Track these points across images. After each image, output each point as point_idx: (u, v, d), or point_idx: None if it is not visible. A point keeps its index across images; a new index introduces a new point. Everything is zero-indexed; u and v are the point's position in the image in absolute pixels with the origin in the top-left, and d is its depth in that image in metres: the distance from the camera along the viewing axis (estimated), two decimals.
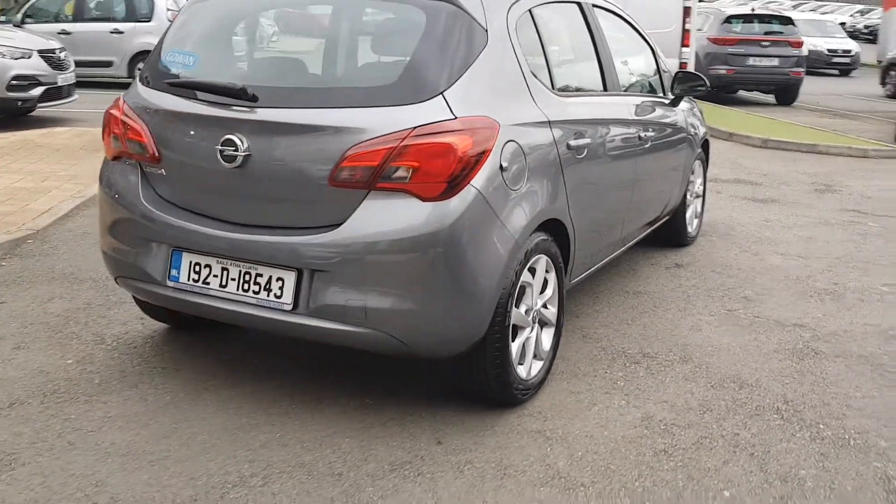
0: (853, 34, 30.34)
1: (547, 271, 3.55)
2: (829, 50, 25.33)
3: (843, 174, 9.28)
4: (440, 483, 2.95)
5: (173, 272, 3.42)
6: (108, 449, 3.14)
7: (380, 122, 3.03)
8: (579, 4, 4.25)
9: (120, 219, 3.58)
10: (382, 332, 3.07)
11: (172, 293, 3.42)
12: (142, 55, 15.63)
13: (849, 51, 25.69)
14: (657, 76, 5.24)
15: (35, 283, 4.92)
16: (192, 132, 3.35)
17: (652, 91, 5.12)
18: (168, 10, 15.75)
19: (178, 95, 3.44)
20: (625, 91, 4.62)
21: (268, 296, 3.21)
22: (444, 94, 3.07)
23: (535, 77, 3.55)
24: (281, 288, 3.19)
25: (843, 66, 25.84)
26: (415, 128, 2.99)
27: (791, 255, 5.94)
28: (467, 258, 3.06)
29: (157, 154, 3.44)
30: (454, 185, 3.00)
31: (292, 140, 3.16)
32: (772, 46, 15.78)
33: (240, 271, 3.27)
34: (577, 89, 4.14)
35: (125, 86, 15.37)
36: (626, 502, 2.86)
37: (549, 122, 3.54)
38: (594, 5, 4.41)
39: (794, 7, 43.87)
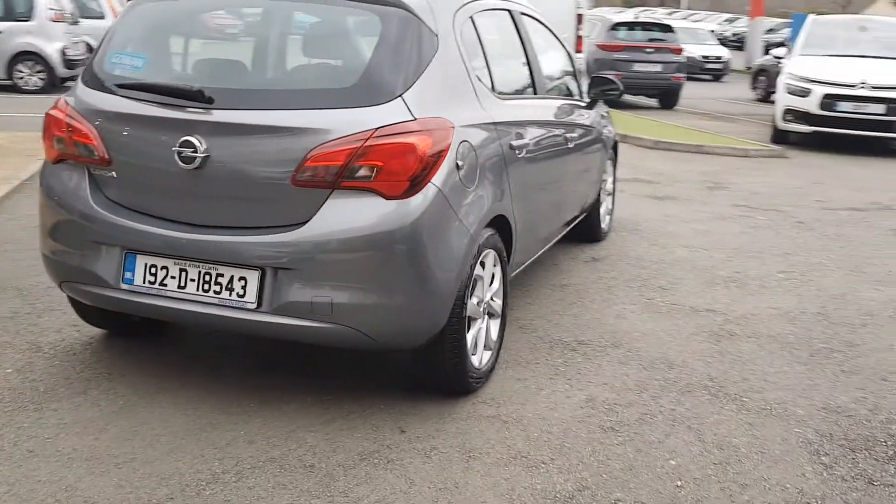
0: (722, 41, 32.05)
1: (494, 265, 3.73)
2: (702, 56, 26.69)
3: (729, 172, 9.92)
4: (410, 468, 3.08)
5: (127, 275, 3.41)
6: (70, 454, 3.11)
7: (342, 123, 3.13)
8: (510, 12, 4.46)
9: (65, 222, 3.53)
10: (348, 326, 3.18)
11: (126, 296, 3.41)
12: (22, 56, 14.97)
13: (720, 57, 27.16)
14: (574, 80, 5.52)
15: None
16: (145, 134, 3.35)
17: (570, 94, 5.40)
18: (50, 8, 15.13)
19: (127, 97, 3.43)
20: (550, 94, 4.88)
21: (230, 295, 3.26)
22: (403, 96, 3.20)
23: (479, 80, 3.73)
24: (244, 287, 3.24)
25: (715, 72, 27.29)
26: (377, 128, 3.11)
27: (694, 248, 6.36)
28: (429, 253, 3.20)
29: (106, 156, 3.42)
30: (416, 183, 3.14)
31: (253, 141, 3.23)
32: (655, 53, 16.58)
33: (199, 272, 3.30)
34: (514, 92, 4.35)
35: (5, 88, 14.79)
36: (585, 475, 3.07)
37: (494, 123, 3.73)
38: (521, 13, 4.64)
39: (668, 15, 45.94)
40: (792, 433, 3.45)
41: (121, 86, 3.46)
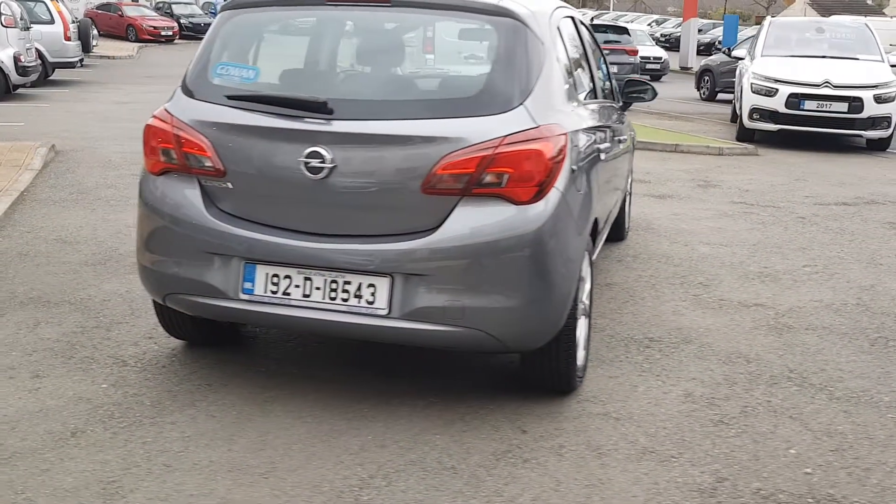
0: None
1: (588, 265, 3.85)
2: (642, 57, 27.35)
3: (711, 171, 10.25)
4: (549, 467, 3.16)
5: (246, 285, 3.40)
6: (210, 466, 3.09)
7: (470, 132, 3.20)
8: (573, 18, 4.58)
9: (174, 233, 3.49)
10: (479, 330, 3.24)
11: (245, 306, 3.40)
12: None
13: (659, 58, 27.83)
14: (610, 83, 5.68)
15: (6, 310, 4.60)
16: (266, 145, 3.35)
17: (613, 97, 5.55)
18: (1, 14, 14.62)
19: (242, 109, 3.42)
20: (605, 97, 5.02)
21: (359, 302, 3.28)
22: (525, 104, 3.29)
23: (572, 86, 3.84)
24: (373, 294, 3.27)
25: (654, 73, 27.97)
26: (506, 136, 3.19)
27: (714, 244, 6.59)
28: (555, 255, 3.29)
29: (222, 168, 3.40)
30: (543, 188, 3.22)
31: (380, 150, 3.26)
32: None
33: (325, 280, 3.32)
34: (586, 96, 4.47)
35: None
36: (717, 467, 3.20)
37: (586, 127, 3.84)
38: (579, 19, 4.77)
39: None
40: (888, 419, 3.66)
41: (234, 97, 3.45)
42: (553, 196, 3.27)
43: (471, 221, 3.20)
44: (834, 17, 16.42)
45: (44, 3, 17.65)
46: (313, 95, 3.31)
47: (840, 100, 11.69)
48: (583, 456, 3.25)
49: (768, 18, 14.04)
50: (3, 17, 14.65)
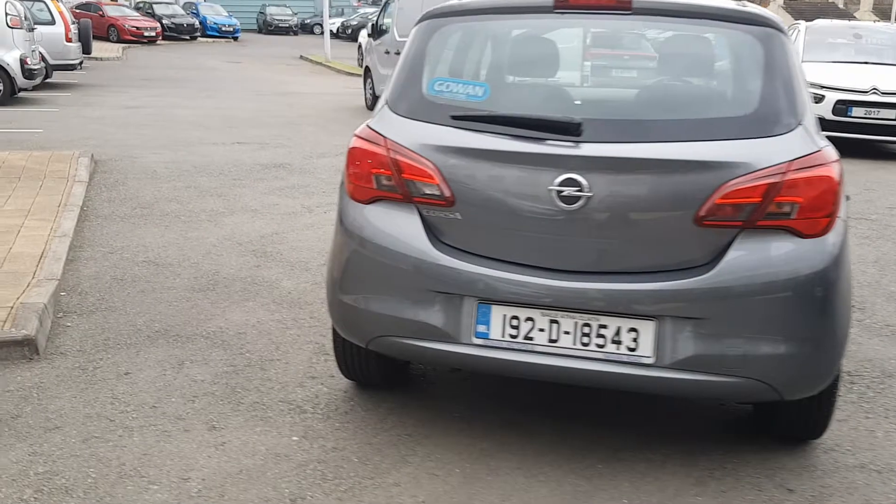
0: None
1: None
2: None
3: None
4: None
5: (480, 328, 3.00)
6: None
7: (753, 156, 2.83)
8: None
9: (390, 270, 3.08)
10: (758, 380, 2.87)
11: (478, 351, 3.00)
12: None
13: None
14: None
15: (138, 346, 4.14)
16: (507, 172, 2.95)
17: None
18: (7, 14, 13.94)
19: (471, 130, 3.03)
20: None
21: (618, 349, 2.90)
22: (803, 123, 2.93)
23: None
24: (635, 340, 2.89)
25: None
26: (793, 160, 2.83)
27: None
28: (842, 293, 2.93)
29: (451, 197, 3.01)
30: (831, 218, 2.87)
31: (645, 177, 2.88)
32: None
33: (576, 323, 2.93)
34: None
35: None
36: None
37: None
38: None
39: None
40: None
41: (461, 117, 3.05)
42: (839, 227, 2.91)
43: (754, 257, 2.83)
44: (868, 23, 16.32)
45: (44, 2, 16.96)
46: (566, 115, 2.92)
47: (889, 106, 11.52)
48: None
49: (802, 23, 13.86)
50: (8, 18, 14.00)
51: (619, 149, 2.88)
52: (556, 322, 2.95)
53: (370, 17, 39.57)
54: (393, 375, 3.70)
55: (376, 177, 3.12)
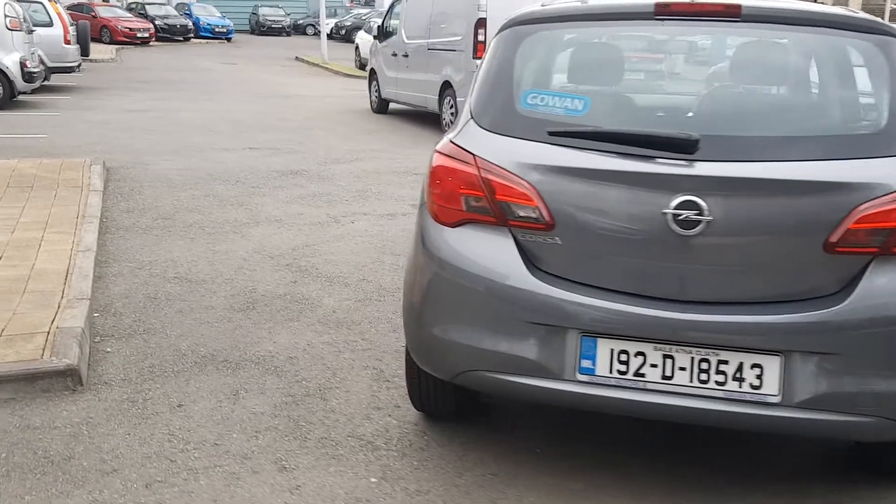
0: None
1: None
2: None
3: None
4: None
5: (584, 363, 2.76)
6: None
7: (887, 175, 2.60)
8: None
9: (486, 300, 2.83)
10: (892, 419, 2.65)
11: (582, 389, 2.76)
12: None
13: None
14: None
15: (187, 374, 3.88)
16: (616, 193, 2.71)
17: None
18: (6, 15, 13.59)
19: (572, 147, 2.78)
20: None
21: (740, 386, 2.66)
22: None
23: None
24: (759, 377, 2.65)
25: None
26: None
27: None
28: None
29: (551, 220, 2.77)
30: None
31: (770, 200, 2.64)
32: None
33: (692, 358, 2.70)
34: None
35: None
36: None
37: None
38: None
39: None
40: None
41: (561, 133, 2.81)
42: None
43: (891, 286, 2.61)
44: None
45: (41, 3, 16.60)
46: (681, 131, 2.69)
47: None
48: None
49: None
50: (7, 19, 13.65)
51: (742, 168, 2.65)
52: (670, 357, 2.71)
53: (364, 18, 39.37)
54: (466, 406, 3.47)
55: (465, 198, 2.88)
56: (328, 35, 31.95)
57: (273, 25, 42.22)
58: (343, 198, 7.92)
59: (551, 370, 2.78)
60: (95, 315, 4.59)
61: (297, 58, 30.33)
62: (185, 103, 15.46)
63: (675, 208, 2.62)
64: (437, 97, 12.61)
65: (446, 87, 12.29)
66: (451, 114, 12.21)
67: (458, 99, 11.91)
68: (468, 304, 2.88)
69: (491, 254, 2.84)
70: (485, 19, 11.39)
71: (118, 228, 6.53)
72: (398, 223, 6.97)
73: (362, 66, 26.65)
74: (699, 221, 2.61)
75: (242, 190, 8.11)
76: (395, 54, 14.28)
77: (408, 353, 3.31)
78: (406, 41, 13.87)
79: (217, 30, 37.33)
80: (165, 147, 10.45)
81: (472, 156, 2.89)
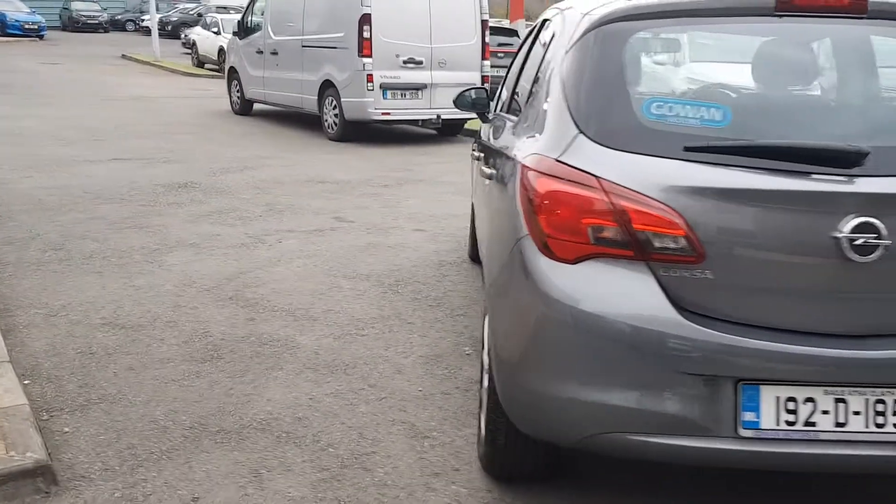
0: None
1: None
2: None
3: None
4: None
5: (747, 416, 2.34)
6: None
7: None
8: None
9: (624, 348, 2.34)
10: None
11: (746, 446, 2.35)
12: None
13: None
14: None
15: (183, 453, 3.14)
16: (777, 217, 2.31)
17: None
18: None
19: (715, 164, 2.36)
20: None
21: None
22: None
23: None
24: None
25: None
26: None
27: None
28: None
29: (701, 251, 2.34)
30: None
31: None
32: (505, 58, 16.42)
33: (866, 401, 2.34)
34: None
35: None
36: None
37: None
38: None
39: None
40: None
41: (700, 149, 2.37)
42: None
43: None
44: None
45: None
46: (848, 143, 2.33)
47: None
48: None
49: None
50: None
51: None
52: (842, 401, 2.35)
53: (191, 12, 37.28)
54: (551, 465, 2.99)
55: (592, 228, 2.39)
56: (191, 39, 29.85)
57: (88, 21, 39.21)
58: (254, 213, 7.14)
59: (706, 426, 2.35)
60: (26, 383, 3.71)
61: (123, 56, 28.27)
62: (19, 110, 13.79)
63: (850, 231, 2.26)
64: (315, 98, 11.87)
65: (327, 86, 11.59)
66: (334, 115, 11.54)
67: (342, 99, 11.25)
68: (602, 355, 2.39)
69: (629, 294, 2.37)
70: (369, 15, 10.81)
71: (2, 265, 5.49)
72: (332, 240, 6.32)
73: (201, 64, 25.18)
74: (876, 246, 2.27)
75: (133, 209, 7.14)
76: (260, 52, 13.37)
77: (491, 413, 2.80)
78: (274, 37, 13.00)
79: (27, 26, 34.08)
80: (19, 162, 9.15)
81: (594, 178, 2.40)
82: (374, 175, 9.15)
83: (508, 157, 3.08)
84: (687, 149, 2.38)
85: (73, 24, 39.07)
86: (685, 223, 2.33)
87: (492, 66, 15.44)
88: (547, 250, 2.46)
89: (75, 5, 39.71)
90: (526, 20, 34.01)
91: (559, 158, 2.50)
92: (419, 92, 11.37)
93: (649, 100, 2.49)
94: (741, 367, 2.33)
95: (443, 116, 11.55)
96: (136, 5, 42.28)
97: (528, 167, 2.61)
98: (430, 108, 11.48)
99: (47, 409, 3.48)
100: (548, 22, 3.70)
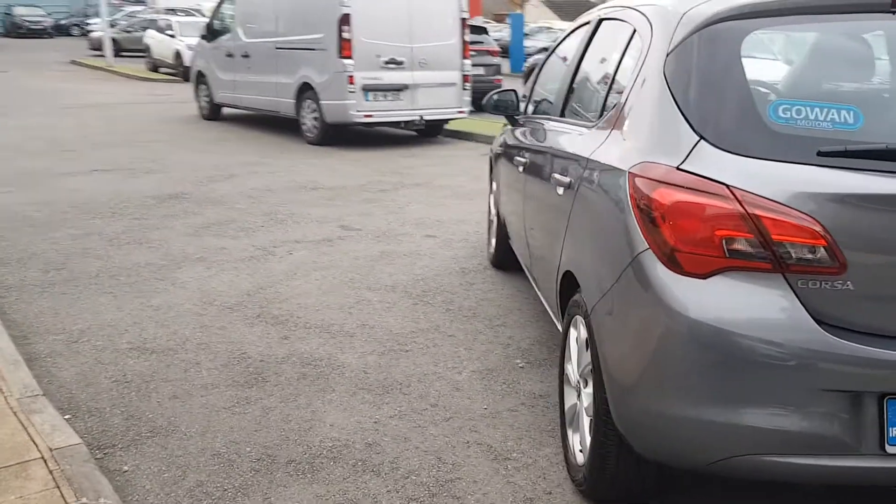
0: None
1: None
2: None
3: None
4: None
5: (893, 431, 2.26)
6: None
7: None
8: None
9: (763, 366, 2.24)
10: None
11: (892, 463, 2.27)
12: None
13: None
14: None
15: (260, 488, 2.96)
16: None
17: None
18: None
19: (852, 169, 2.26)
20: None
21: None
22: None
23: None
24: None
25: None
26: None
27: None
28: None
29: (843, 261, 2.23)
30: None
31: None
32: (477, 56, 16.26)
33: None
34: None
35: None
36: None
37: None
38: None
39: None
40: None
41: (835, 153, 2.27)
42: None
43: None
44: None
45: None
46: None
47: None
48: None
49: None
50: None
51: None
52: None
53: (139, 15, 36.39)
54: (660, 486, 2.87)
55: (726, 241, 2.27)
56: (97, 36, 29.07)
57: (32, 27, 38.10)
58: (255, 224, 6.90)
59: (849, 444, 2.26)
60: (67, 417, 3.47)
61: (73, 61, 27.50)
62: None
63: None
64: (292, 101, 11.61)
65: (305, 89, 11.33)
66: (314, 118, 11.29)
67: (322, 102, 11.01)
68: (738, 373, 2.27)
69: (768, 309, 2.26)
70: (349, 15, 10.59)
71: (6, 288, 5.19)
72: (343, 250, 6.13)
73: (155, 69, 24.57)
74: None
75: (127, 223, 6.85)
76: (230, 55, 13.04)
77: (600, 437, 2.67)
78: (245, 40, 12.69)
79: None
80: None
81: (725, 187, 2.29)
82: (367, 180, 8.95)
83: (590, 165, 2.96)
84: (821, 154, 2.28)
85: (17, 30, 37.93)
86: (825, 232, 2.23)
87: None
88: (674, 265, 2.34)
89: (18, 10, 38.54)
90: (484, 19, 33.96)
91: (681, 167, 2.38)
92: (400, 93, 11.19)
93: (775, 102, 2.38)
94: (887, 381, 2.24)
95: (425, 117, 11.39)
96: (81, 9, 41.22)
97: (638, 175, 2.48)
98: (413, 109, 11.31)
99: (98, 446, 3.26)
100: (607, 22, 3.58)
